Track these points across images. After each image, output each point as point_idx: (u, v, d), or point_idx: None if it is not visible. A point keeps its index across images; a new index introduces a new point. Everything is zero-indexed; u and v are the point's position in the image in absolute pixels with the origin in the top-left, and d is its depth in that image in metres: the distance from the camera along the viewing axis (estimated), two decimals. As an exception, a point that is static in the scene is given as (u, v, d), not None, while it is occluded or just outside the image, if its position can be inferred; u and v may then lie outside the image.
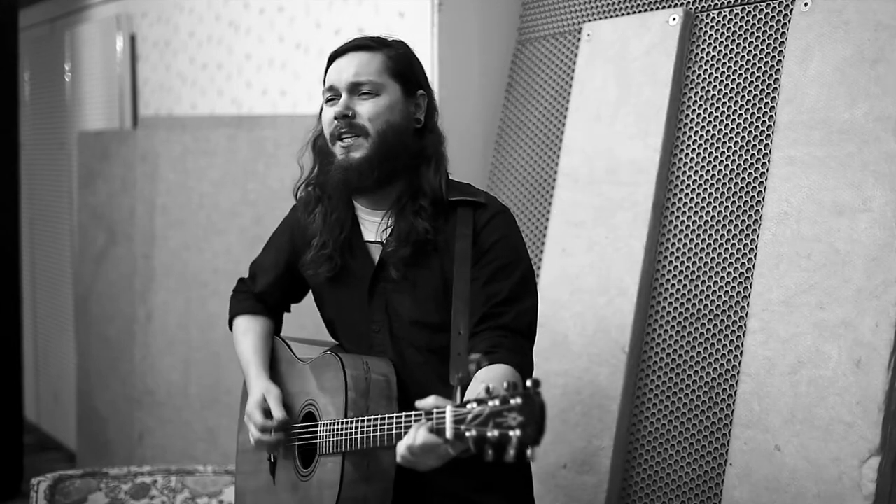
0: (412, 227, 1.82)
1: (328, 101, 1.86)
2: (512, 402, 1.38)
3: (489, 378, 1.63)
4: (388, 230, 1.86)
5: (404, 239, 1.82)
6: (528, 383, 1.38)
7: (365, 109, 1.81)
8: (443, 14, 2.87)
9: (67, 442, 5.10)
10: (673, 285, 2.34)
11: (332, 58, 1.87)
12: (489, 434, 1.39)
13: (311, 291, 2.05)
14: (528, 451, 1.36)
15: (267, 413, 1.92)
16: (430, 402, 1.53)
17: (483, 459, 1.40)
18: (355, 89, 1.82)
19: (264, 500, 1.98)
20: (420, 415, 1.54)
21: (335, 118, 1.82)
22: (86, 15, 4.97)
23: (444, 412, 1.48)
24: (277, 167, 3.20)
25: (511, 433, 1.36)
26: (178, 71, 4.07)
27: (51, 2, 5.38)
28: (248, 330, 2.06)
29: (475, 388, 1.61)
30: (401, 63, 1.86)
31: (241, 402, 2.12)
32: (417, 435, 1.52)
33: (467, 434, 1.41)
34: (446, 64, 2.87)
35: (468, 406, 1.43)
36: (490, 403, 1.40)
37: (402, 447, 1.55)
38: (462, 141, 2.95)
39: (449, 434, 1.45)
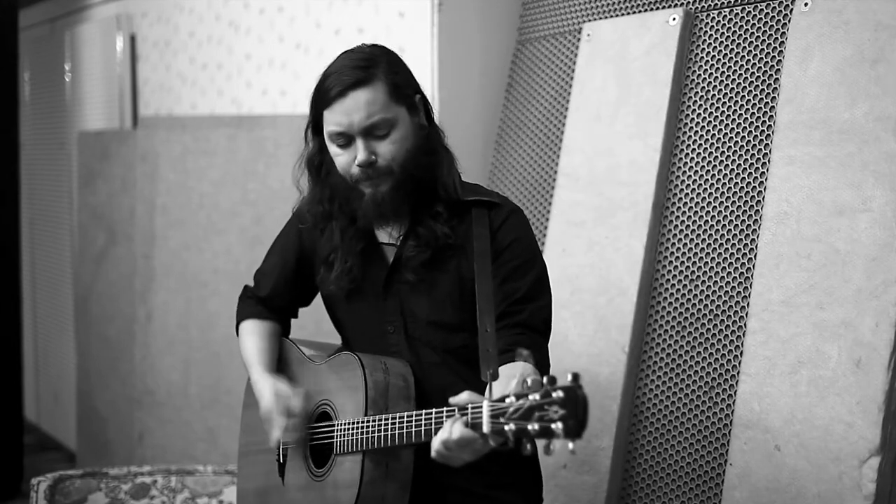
0: (431, 231, 1.82)
1: (338, 144, 1.80)
2: (553, 395, 1.39)
3: (514, 375, 1.64)
4: (403, 232, 1.86)
5: (424, 244, 1.82)
6: (569, 377, 1.39)
7: (386, 150, 1.77)
8: (443, 14, 2.87)
9: (67, 442, 5.10)
10: (673, 285, 2.34)
11: (331, 99, 1.77)
12: (530, 427, 1.40)
13: (319, 294, 2.05)
14: (570, 445, 1.37)
15: (288, 411, 1.88)
16: (463, 397, 1.55)
17: (521, 453, 1.42)
18: (370, 132, 1.77)
19: (272, 502, 1.97)
20: (452, 411, 1.56)
21: (359, 165, 1.77)
22: (86, 15, 4.97)
23: (480, 407, 1.49)
24: (277, 167, 3.20)
25: (553, 426, 1.38)
26: (178, 71, 4.07)
27: (51, 2, 5.38)
28: (253, 332, 2.05)
29: (504, 384, 1.62)
30: (395, 78, 1.79)
31: (245, 404, 2.11)
32: (453, 430, 1.53)
33: (506, 428, 1.43)
34: (446, 64, 2.87)
35: (507, 400, 1.45)
36: (531, 397, 1.41)
37: (436, 442, 1.57)
38: (462, 141, 2.94)
39: (486, 428, 1.47)
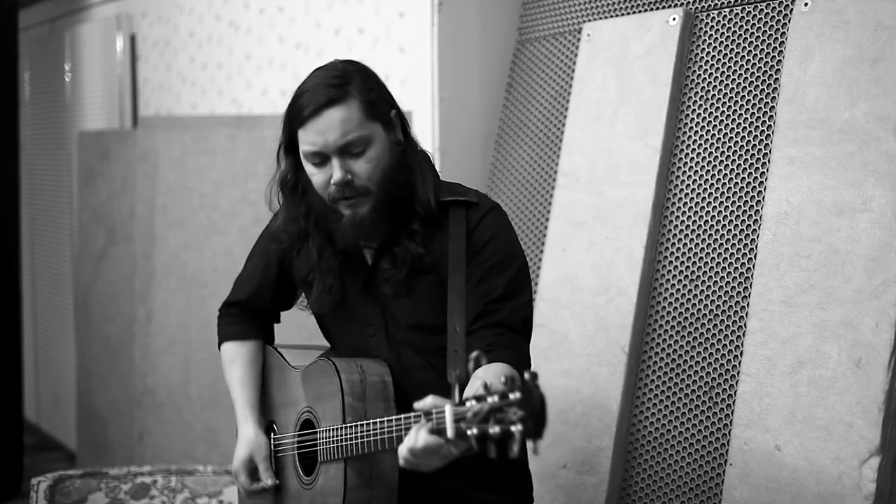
0: (407, 251, 1.80)
1: (314, 163, 1.77)
2: (511, 396, 1.38)
3: (486, 376, 1.63)
4: (380, 244, 1.84)
5: (401, 264, 1.80)
6: (527, 376, 1.38)
7: (362, 168, 1.74)
8: (443, 14, 2.87)
9: (67, 442, 5.10)
10: (673, 285, 2.34)
11: (305, 118, 1.74)
12: (491, 431, 1.38)
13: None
14: (531, 445, 1.36)
15: (253, 473, 1.94)
16: (428, 402, 1.52)
17: (486, 457, 1.40)
18: (346, 150, 1.74)
19: None
20: (419, 415, 1.53)
21: (335, 185, 1.75)
22: (86, 15, 4.97)
23: (443, 411, 1.47)
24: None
25: (513, 428, 1.36)
26: (178, 71, 4.07)
27: (51, 2, 5.38)
28: (236, 358, 2.04)
29: (473, 386, 1.60)
30: (370, 95, 1.76)
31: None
32: (418, 437, 1.51)
33: (469, 432, 1.40)
34: (446, 64, 2.87)
35: (468, 404, 1.42)
36: (489, 399, 1.40)
37: (403, 450, 1.55)
38: (462, 141, 2.95)
39: (450, 433, 1.44)
